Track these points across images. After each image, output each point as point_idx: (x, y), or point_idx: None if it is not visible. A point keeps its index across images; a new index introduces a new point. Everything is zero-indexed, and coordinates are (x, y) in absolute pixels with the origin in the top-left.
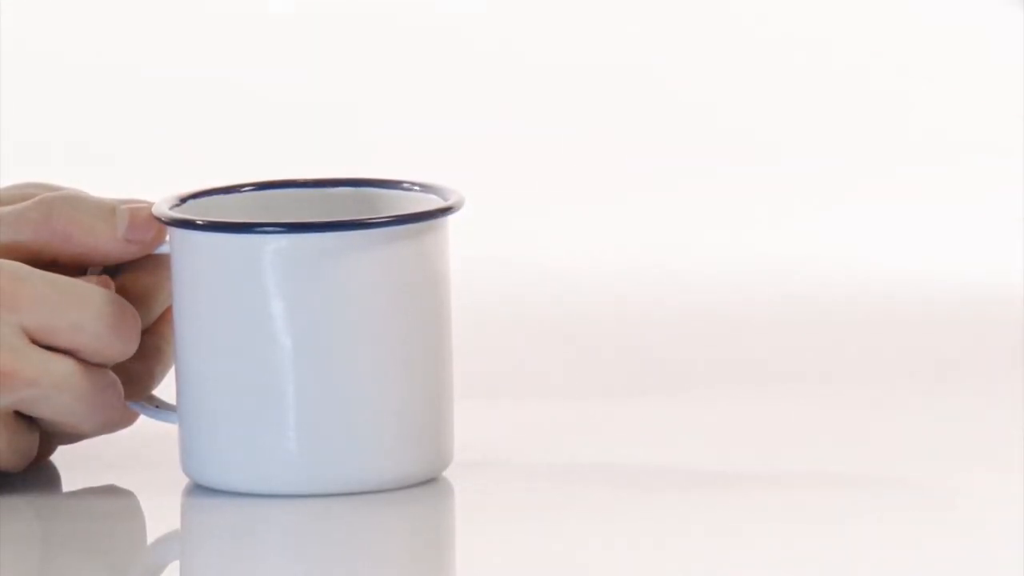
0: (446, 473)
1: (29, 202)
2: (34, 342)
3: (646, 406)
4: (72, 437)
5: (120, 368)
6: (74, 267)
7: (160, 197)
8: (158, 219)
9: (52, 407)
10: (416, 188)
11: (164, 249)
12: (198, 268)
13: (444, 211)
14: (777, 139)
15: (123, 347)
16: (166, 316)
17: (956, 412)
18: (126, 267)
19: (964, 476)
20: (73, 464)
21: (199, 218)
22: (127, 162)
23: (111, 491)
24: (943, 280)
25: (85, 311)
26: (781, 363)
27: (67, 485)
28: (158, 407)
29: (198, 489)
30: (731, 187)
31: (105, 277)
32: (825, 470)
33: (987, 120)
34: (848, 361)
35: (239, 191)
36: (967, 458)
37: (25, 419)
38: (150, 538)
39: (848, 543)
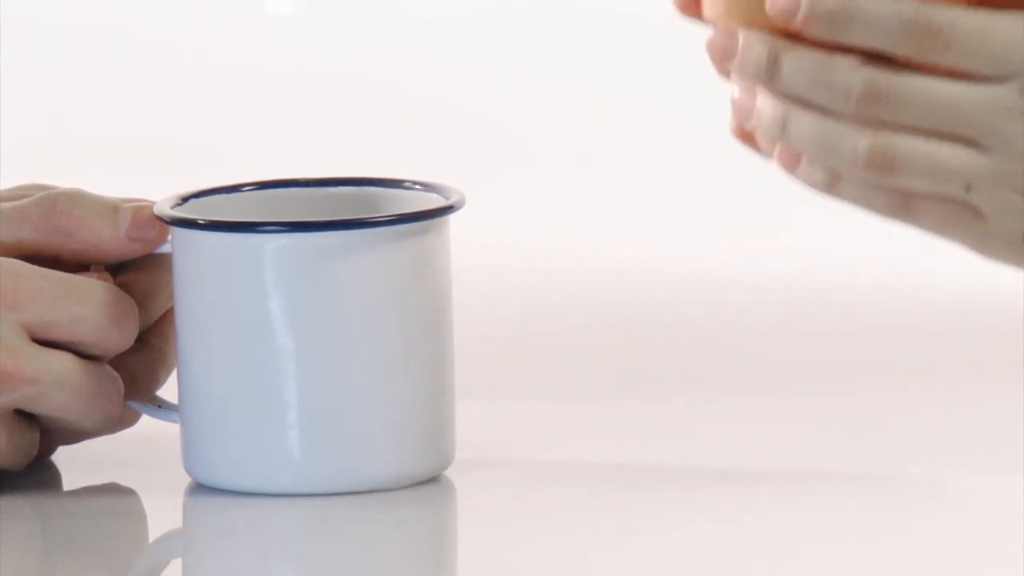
0: (446, 472)
1: (31, 199)
2: (35, 338)
3: (646, 406)
4: (73, 435)
5: (123, 369)
6: (76, 264)
7: (162, 196)
8: (160, 218)
9: (52, 404)
10: (417, 187)
11: (165, 248)
12: (199, 267)
13: (445, 210)
14: None
15: (122, 338)
16: (168, 316)
17: (959, 414)
18: (127, 266)
19: (967, 477)
20: (74, 463)
21: (201, 217)
22: (128, 162)
23: (112, 490)
24: (944, 285)
25: (85, 304)
26: (782, 364)
27: (68, 484)
28: (160, 406)
29: (200, 488)
30: (731, 186)
31: (104, 273)
32: (826, 471)
33: None
34: (849, 361)
35: (240, 190)
36: (970, 459)
37: (25, 416)
38: (151, 537)
39: (849, 542)
